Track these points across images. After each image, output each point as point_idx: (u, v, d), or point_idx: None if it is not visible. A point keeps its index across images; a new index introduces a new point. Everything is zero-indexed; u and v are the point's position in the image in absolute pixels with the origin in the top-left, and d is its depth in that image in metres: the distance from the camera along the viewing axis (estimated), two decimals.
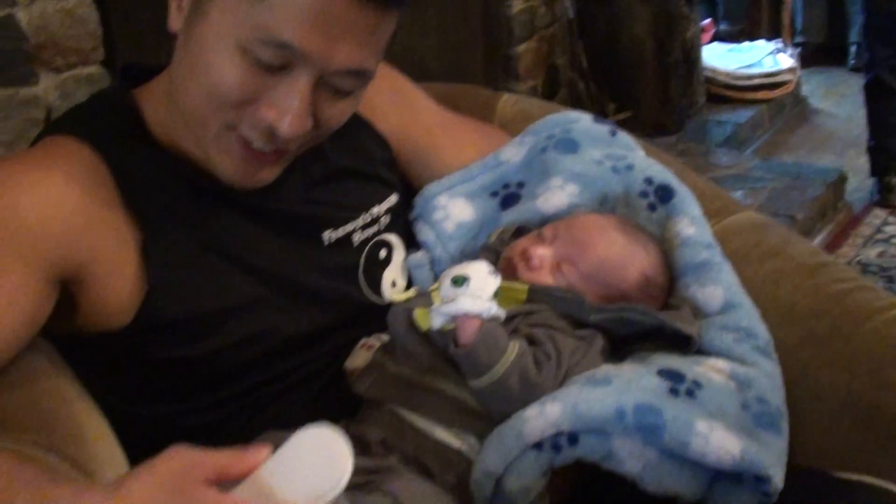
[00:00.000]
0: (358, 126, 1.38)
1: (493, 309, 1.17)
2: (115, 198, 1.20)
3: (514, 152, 1.56)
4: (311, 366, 1.31)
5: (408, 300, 1.29)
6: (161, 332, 1.21)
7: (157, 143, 1.25)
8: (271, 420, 1.26)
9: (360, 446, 1.12)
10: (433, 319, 1.18)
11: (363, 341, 1.34)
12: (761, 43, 5.10)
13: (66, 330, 1.22)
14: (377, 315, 1.32)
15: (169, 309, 1.20)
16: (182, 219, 1.23)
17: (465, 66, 3.80)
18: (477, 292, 1.16)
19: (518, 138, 1.58)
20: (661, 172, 1.50)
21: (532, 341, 1.22)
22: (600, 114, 4.12)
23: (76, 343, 1.23)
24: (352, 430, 1.18)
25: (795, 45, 5.59)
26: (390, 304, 1.30)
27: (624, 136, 1.58)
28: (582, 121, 1.58)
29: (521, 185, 1.53)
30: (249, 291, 1.26)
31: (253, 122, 1.14)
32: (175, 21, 1.17)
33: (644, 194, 1.48)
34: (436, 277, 1.44)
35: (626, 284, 1.35)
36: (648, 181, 1.48)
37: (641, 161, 1.52)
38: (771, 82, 4.76)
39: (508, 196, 1.53)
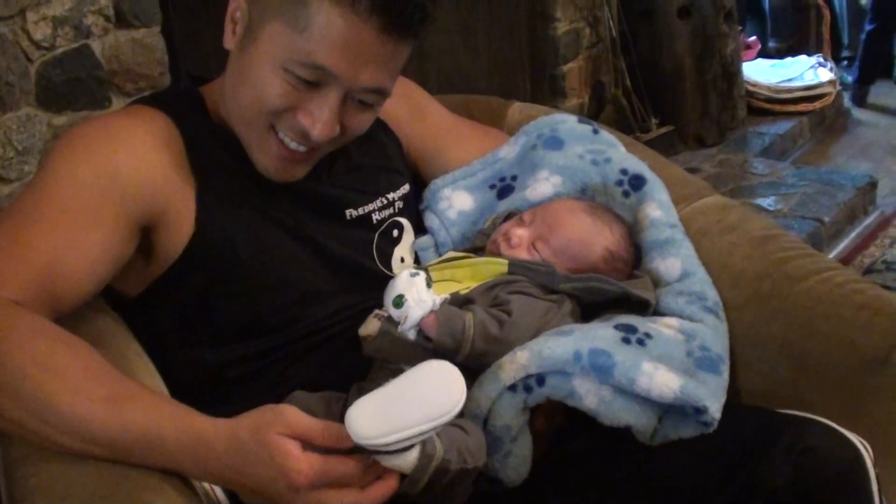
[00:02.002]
0: (378, 128, 1.59)
1: (437, 300, 1.35)
2: (184, 157, 1.42)
3: (509, 150, 1.76)
4: (331, 329, 1.48)
5: None
6: (203, 269, 1.40)
7: (216, 125, 1.48)
8: (297, 378, 1.43)
9: None
10: (408, 337, 1.36)
11: (375, 312, 1.50)
12: (803, 58, 5.20)
13: (124, 283, 1.42)
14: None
15: (213, 248, 1.40)
16: (231, 180, 1.44)
17: (513, 86, 3.92)
18: (416, 298, 1.34)
19: (513, 138, 1.78)
20: (635, 164, 1.68)
21: (501, 304, 1.40)
22: (643, 128, 4.29)
23: (130, 304, 1.44)
24: (364, 387, 1.34)
25: (842, 59, 5.69)
26: None
27: (605, 134, 1.77)
28: (568, 122, 1.77)
29: (514, 177, 1.72)
30: (281, 245, 1.46)
31: (291, 126, 1.37)
32: (229, 41, 1.41)
33: (619, 183, 1.66)
34: (439, 254, 1.64)
35: (593, 258, 1.52)
36: (624, 172, 1.66)
37: (619, 155, 1.71)
38: (811, 94, 4.87)
39: (504, 188, 1.71)
